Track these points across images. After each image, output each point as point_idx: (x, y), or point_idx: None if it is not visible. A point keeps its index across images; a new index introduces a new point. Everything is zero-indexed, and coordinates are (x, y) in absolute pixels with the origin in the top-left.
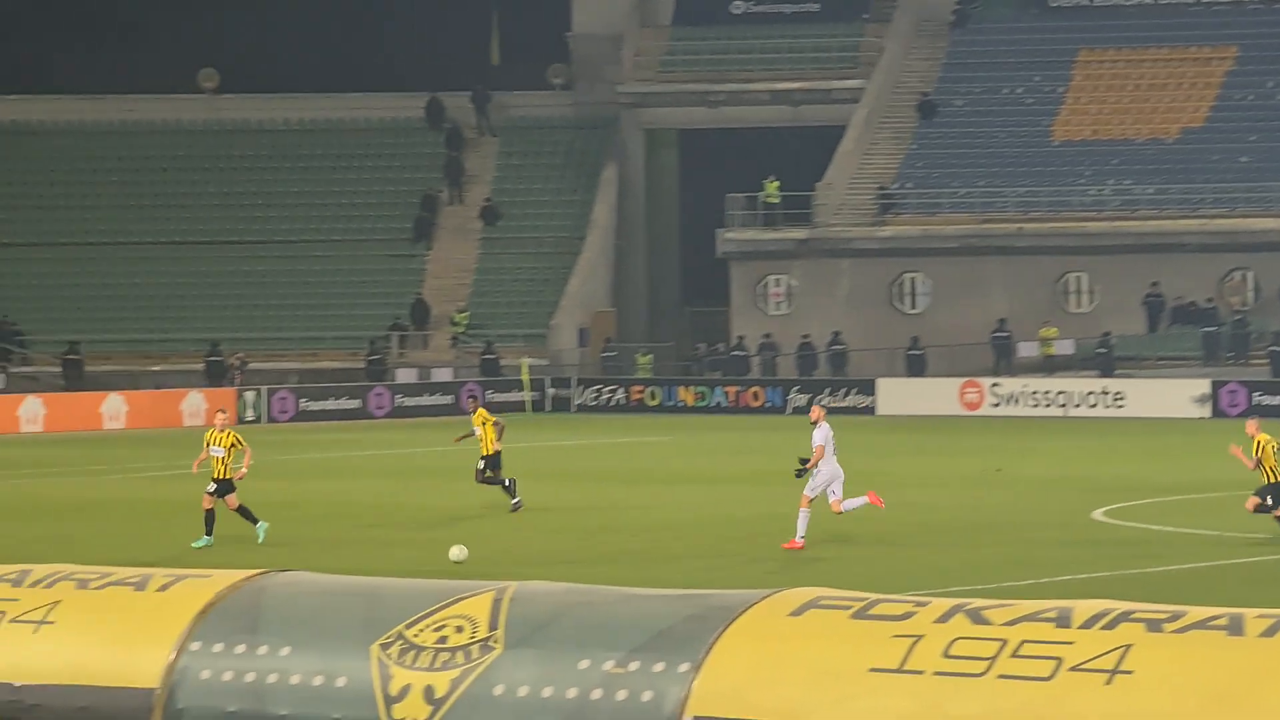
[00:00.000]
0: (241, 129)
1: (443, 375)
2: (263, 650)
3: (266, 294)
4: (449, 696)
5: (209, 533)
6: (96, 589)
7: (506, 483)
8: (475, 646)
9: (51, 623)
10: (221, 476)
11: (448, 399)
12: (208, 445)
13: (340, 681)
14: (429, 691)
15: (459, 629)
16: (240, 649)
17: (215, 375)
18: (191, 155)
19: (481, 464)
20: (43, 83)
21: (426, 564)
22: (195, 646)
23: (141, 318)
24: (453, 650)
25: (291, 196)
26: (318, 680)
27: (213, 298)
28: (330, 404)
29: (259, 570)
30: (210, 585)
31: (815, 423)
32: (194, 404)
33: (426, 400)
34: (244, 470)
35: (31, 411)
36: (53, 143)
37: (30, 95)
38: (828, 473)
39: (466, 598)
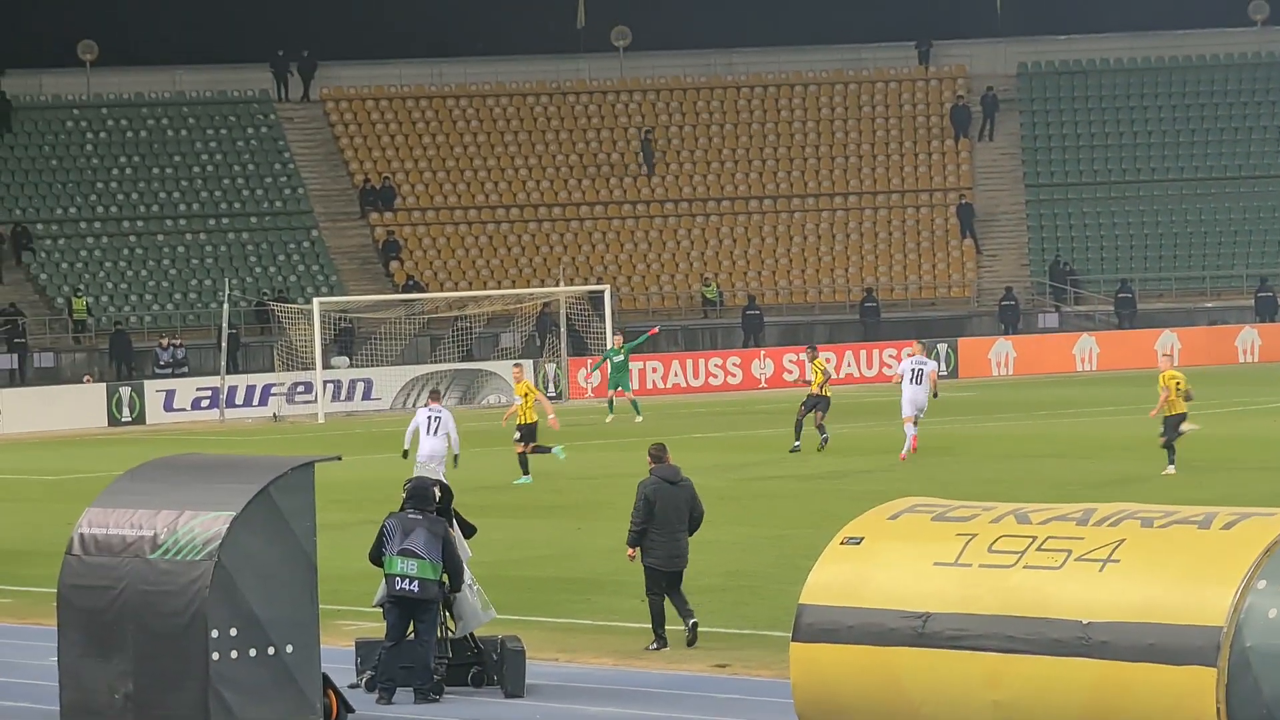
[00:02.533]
0: None
1: None
2: None
3: None
4: None
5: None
6: (1160, 527)
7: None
8: None
9: (1116, 561)
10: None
11: None
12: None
13: None
14: None
15: None
16: None
17: (1265, 311)
18: (1241, 89)
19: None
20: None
21: None
22: (1261, 585)
23: (1193, 254)
24: None
25: None
26: None
27: (1266, 232)
28: None
29: None
30: (1276, 523)
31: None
32: (1247, 340)
33: None
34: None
35: (1086, 349)
36: (1102, 80)
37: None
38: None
39: None
